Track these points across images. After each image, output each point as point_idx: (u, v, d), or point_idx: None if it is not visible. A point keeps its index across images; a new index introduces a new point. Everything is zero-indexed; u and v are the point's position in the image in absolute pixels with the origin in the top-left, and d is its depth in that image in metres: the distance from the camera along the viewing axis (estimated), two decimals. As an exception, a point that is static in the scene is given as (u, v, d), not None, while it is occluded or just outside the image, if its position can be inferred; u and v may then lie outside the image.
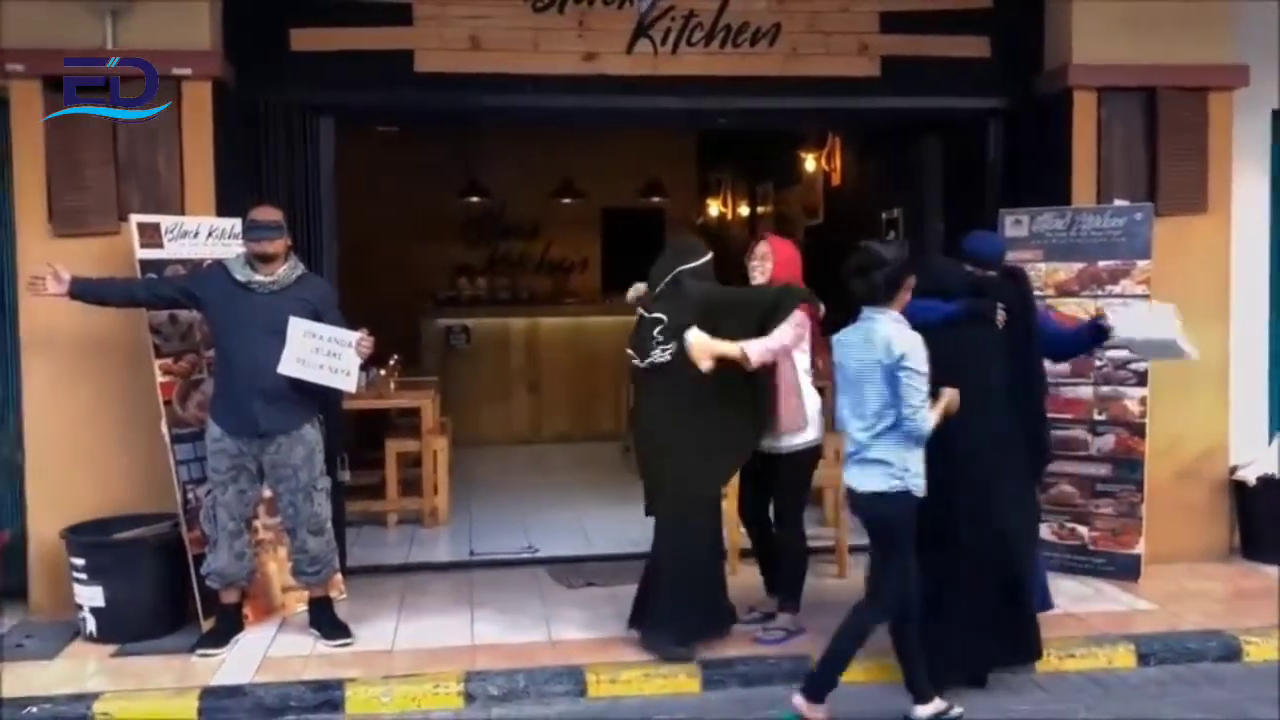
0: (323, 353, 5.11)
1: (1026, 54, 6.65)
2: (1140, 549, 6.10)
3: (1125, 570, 6.09)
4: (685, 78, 6.44)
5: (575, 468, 9.78)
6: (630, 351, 5.22)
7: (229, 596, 5.32)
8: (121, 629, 5.33)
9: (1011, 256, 5.63)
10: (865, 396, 4.39)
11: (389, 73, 6.20)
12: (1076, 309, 6.17)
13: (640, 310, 5.24)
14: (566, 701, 4.82)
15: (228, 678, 4.91)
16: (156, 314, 5.44)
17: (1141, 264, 6.10)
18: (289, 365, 5.05)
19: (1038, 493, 5.38)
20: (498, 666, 4.97)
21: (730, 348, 4.86)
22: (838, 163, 9.53)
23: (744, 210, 12.56)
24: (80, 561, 5.34)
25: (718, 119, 8.23)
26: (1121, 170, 6.40)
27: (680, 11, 6.39)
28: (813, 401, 5.25)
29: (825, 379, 5.88)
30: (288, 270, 5.20)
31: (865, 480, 4.41)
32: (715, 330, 4.93)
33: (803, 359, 5.22)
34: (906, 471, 4.35)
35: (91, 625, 5.35)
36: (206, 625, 5.34)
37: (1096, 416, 6.19)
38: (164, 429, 5.41)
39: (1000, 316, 4.81)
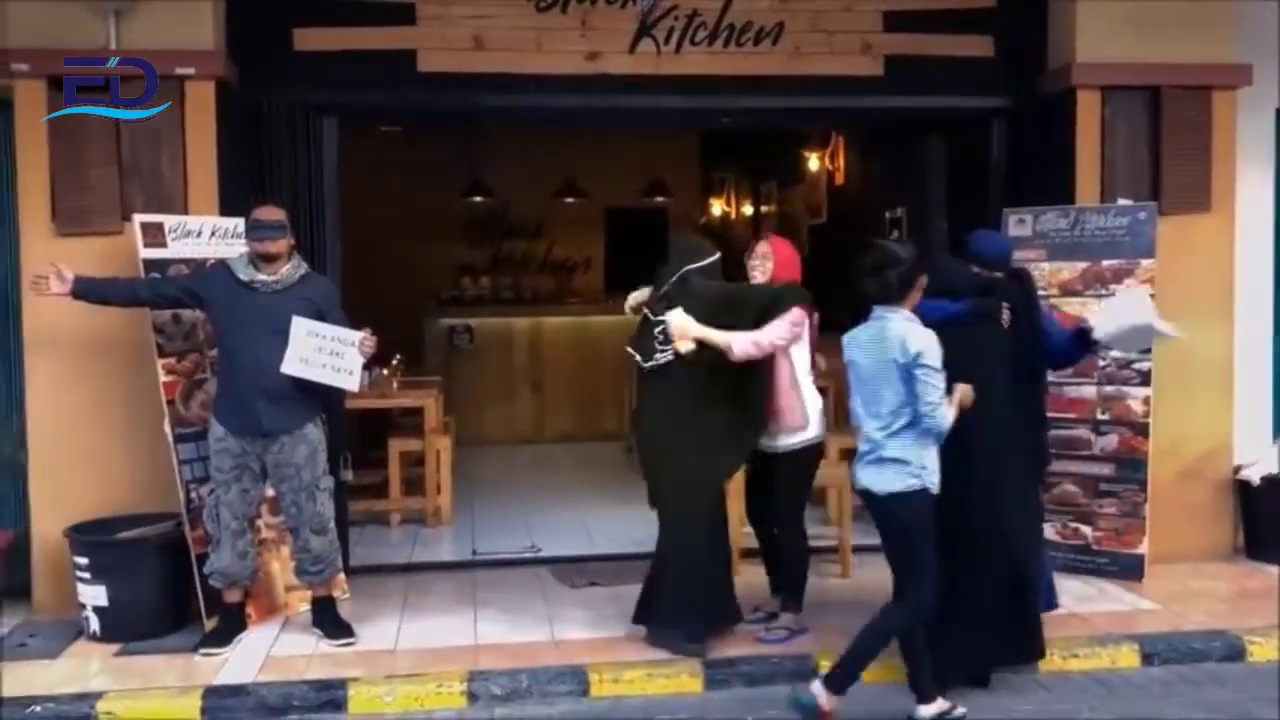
0: (326, 352, 5.11)
1: (1030, 53, 6.65)
2: (1144, 549, 6.09)
3: (1129, 570, 6.09)
4: (688, 77, 6.44)
5: (578, 467, 9.78)
6: (632, 351, 5.23)
7: (232, 596, 5.33)
8: (124, 628, 5.34)
9: (1015, 256, 5.62)
10: (880, 395, 4.38)
11: (392, 72, 6.20)
12: (1080, 309, 6.17)
13: (645, 311, 5.25)
14: (569, 701, 4.82)
15: (231, 677, 4.91)
16: (160, 313, 5.45)
17: (1145, 263, 6.09)
18: (292, 365, 5.05)
19: (1041, 493, 5.38)
20: (501, 666, 4.97)
21: (715, 335, 4.92)
22: (841, 162, 9.53)
23: (747, 210, 12.55)
24: (83, 561, 5.34)
25: (721, 118, 8.22)
26: (1125, 169, 6.39)
27: (683, 11, 6.39)
28: (813, 400, 5.25)
29: (825, 379, 5.91)
30: (291, 270, 5.21)
31: (882, 481, 4.39)
32: (717, 326, 4.96)
33: (803, 358, 5.21)
34: (924, 470, 4.35)
35: (95, 624, 5.36)
36: (209, 624, 5.34)
37: (1100, 416, 6.18)
38: (167, 428, 5.42)
39: (1005, 316, 4.81)
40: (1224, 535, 6.58)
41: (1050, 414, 5.81)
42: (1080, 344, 5.13)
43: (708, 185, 13.68)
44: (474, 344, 11.00)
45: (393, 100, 6.52)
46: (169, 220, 5.56)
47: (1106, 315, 5.15)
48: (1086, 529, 6.20)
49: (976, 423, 4.46)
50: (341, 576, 5.74)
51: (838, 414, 7.82)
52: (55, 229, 5.63)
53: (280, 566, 5.72)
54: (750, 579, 5.55)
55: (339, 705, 4.75)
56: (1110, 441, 6.16)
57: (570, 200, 12.75)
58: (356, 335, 5.16)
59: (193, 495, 5.44)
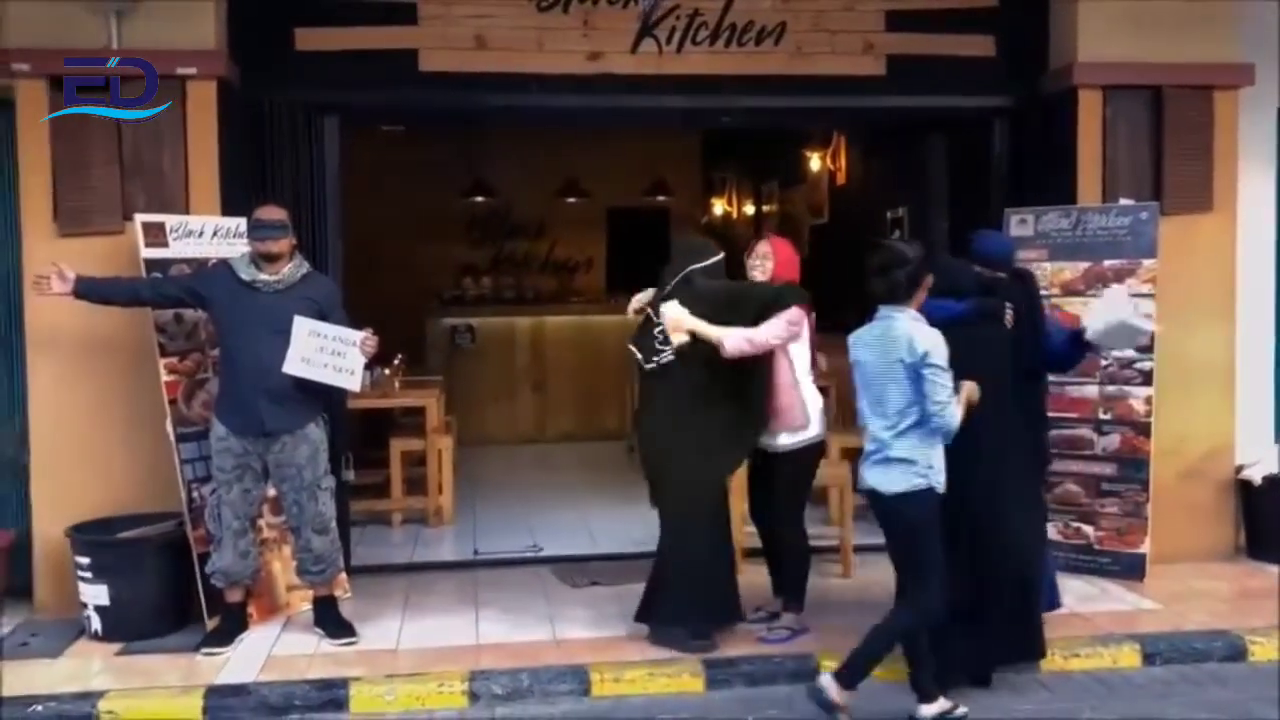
0: (327, 352, 5.11)
1: (1032, 53, 6.64)
2: (1145, 548, 6.09)
3: (1130, 570, 6.08)
4: (690, 77, 6.44)
5: (580, 467, 9.78)
6: (635, 351, 5.24)
7: (234, 595, 5.33)
8: (126, 628, 5.34)
9: (1018, 256, 5.62)
10: (887, 395, 4.38)
11: (394, 72, 6.21)
12: (1082, 308, 6.17)
13: (648, 311, 5.26)
14: (571, 701, 4.82)
15: (232, 676, 4.91)
16: (161, 313, 5.45)
17: (1147, 263, 6.09)
18: (294, 364, 5.05)
19: (1044, 492, 5.38)
20: (502, 666, 4.97)
21: (708, 329, 4.94)
22: (843, 162, 9.53)
23: (749, 209, 12.55)
24: (85, 560, 5.35)
25: (722, 118, 8.22)
26: (1127, 169, 6.39)
27: (685, 10, 6.38)
28: (814, 399, 5.25)
29: (826, 379, 5.91)
30: (293, 269, 5.21)
31: (889, 481, 4.38)
32: (719, 324, 4.98)
33: (803, 357, 5.22)
34: (930, 469, 4.35)
35: (96, 624, 5.36)
36: (211, 624, 5.34)
37: (1102, 416, 6.18)
38: (169, 428, 5.42)
39: (1009, 317, 4.81)
40: (1226, 535, 6.58)
41: (1052, 413, 5.84)
42: (1076, 345, 5.13)
43: (709, 185, 13.68)
44: (476, 344, 11.01)
45: (394, 100, 6.52)
46: (170, 220, 5.56)
47: (1093, 315, 5.15)
48: (1088, 528, 6.20)
49: (979, 422, 4.46)
50: (343, 576, 5.74)
51: (839, 413, 7.84)
52: (57, 229, 5.64)
53: (282, 566, 5.72)
54: (752, 579, 5.55)
55: (340, 705, 4.74)
56: (1112, 441, 6.16)
57: (572, 200, 12.76)
58: (358, 335, 5.16)
59: (194, 495, 5.44)
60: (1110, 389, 6.17)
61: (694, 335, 4.99)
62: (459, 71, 6.26)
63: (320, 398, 5.28)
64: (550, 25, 6.32)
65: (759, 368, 5.07)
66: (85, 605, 5.37)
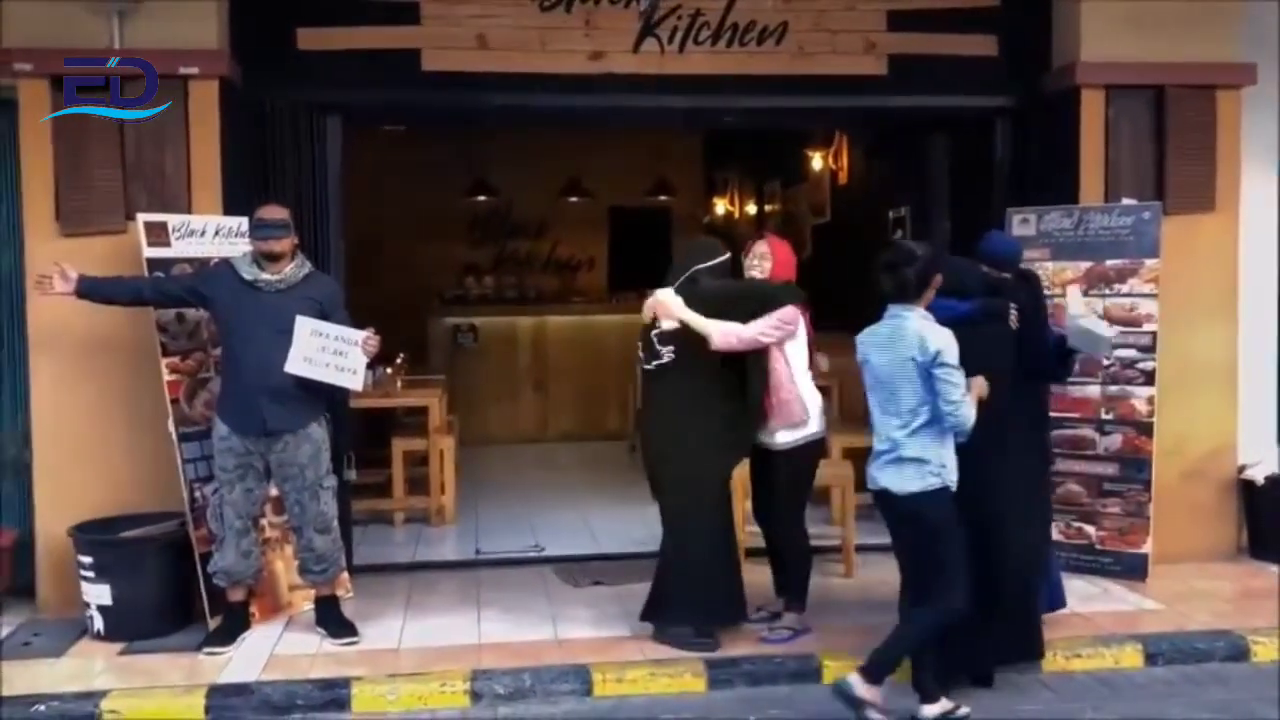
0: (329, 351, 5.11)
1: (1034, 52, 6.64)
2: (1147, 548, 6.09)
3: (1132, 570, 6.08)
4: (692, 77, 6.44)
5: (582, 467, 9.79)
6: (639, 350, 5.28)
7: (236, 595, 5.33)
8: (128, 627, 5.34)
9: (1024, 257, 5.60)
10: (898, 394, 4.37)
11: (396, 72, 6.21)
12: (1084, 308, 6.16)
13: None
14: (573, 700, 4.82)
15: (234, 676, 4.91)
16: (163, 313, 5.45)
17: (1149, 263, 6.08)
18: (296, 364, 5.05)
19: (1049, 492, 5.37)
20: (504, 665, 4.97)
21: (697, 320, 4.97)
22: (845, 161, 9.52)
23: (751, 209, 12.55)
24: (87, 560, 5.35)
25: (724, 118, 8.22)
26: (1129, 169, 6.39)
27: (687, 10, 6.38)
28: (813, 398, 5.26)
29: (826, 379, 5.91)
30: (295, 269, 5.21)
31: (904, 481, 4.37)
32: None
33: (800, 356, 5.23)
34: (944, 468, 4.35)
35: (99, 623, 5.36)
36: (213, 623, 5.34)
37: (1104, 416, 6.18)
38: (171, 427, 5.42)
39: (1013, 318, 4.81)
40: (1228, 535, 6.58)
41: (1054, 413, 5.83)
42: (1061, 351, 5.11)
43: (711, 185, 13.68)
44: (478, 343, 11.02)
45: (396, 100, 6.52)
46: (173, 219, 5.57)
47: (1068, 319, 5.15)
48: (1090, 528, 6.20)
49: (982, 422, 4.45)
50: (345, 575, 5.73)
51: (841, 413, 7.84)
52: (59, 228, 5.64)
53: (284, 565, 5.73)
54: (753, 578, 5.54)
55: (342, 704, 4.75)
56: (1114, 441, 6.15)
57: (574, 200, 12.75)
58: (360, 334, 5.16)
59: (196, 494, 5.44)
60: (1112, 389, 6.16)
61: (685, 327, 5.02)
62: (461, 71, 6.26)
63: (322, 397, 5.28)
64: (552, 25, 6.32)
65: (755, 366, 5.08)
66: (88, 605, 5.38)
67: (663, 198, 12.92)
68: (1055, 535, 6.01)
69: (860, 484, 6.32)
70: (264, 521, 5.54)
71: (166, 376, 5.45)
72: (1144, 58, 6.31)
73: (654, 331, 5.14)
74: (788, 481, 5.28)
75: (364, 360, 5.18)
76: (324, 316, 5.16)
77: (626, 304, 10.85)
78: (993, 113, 6.76)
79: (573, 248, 13.31)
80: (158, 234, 5.48)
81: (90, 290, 5.21)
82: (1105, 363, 6.11)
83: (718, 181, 13.55)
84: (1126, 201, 6.23)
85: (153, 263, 5.42)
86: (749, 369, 5.09)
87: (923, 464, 4.34)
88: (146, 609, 5.38)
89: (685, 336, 5.04)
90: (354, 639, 5.32)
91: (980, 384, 4.43)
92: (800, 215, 10.64)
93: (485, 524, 7.60)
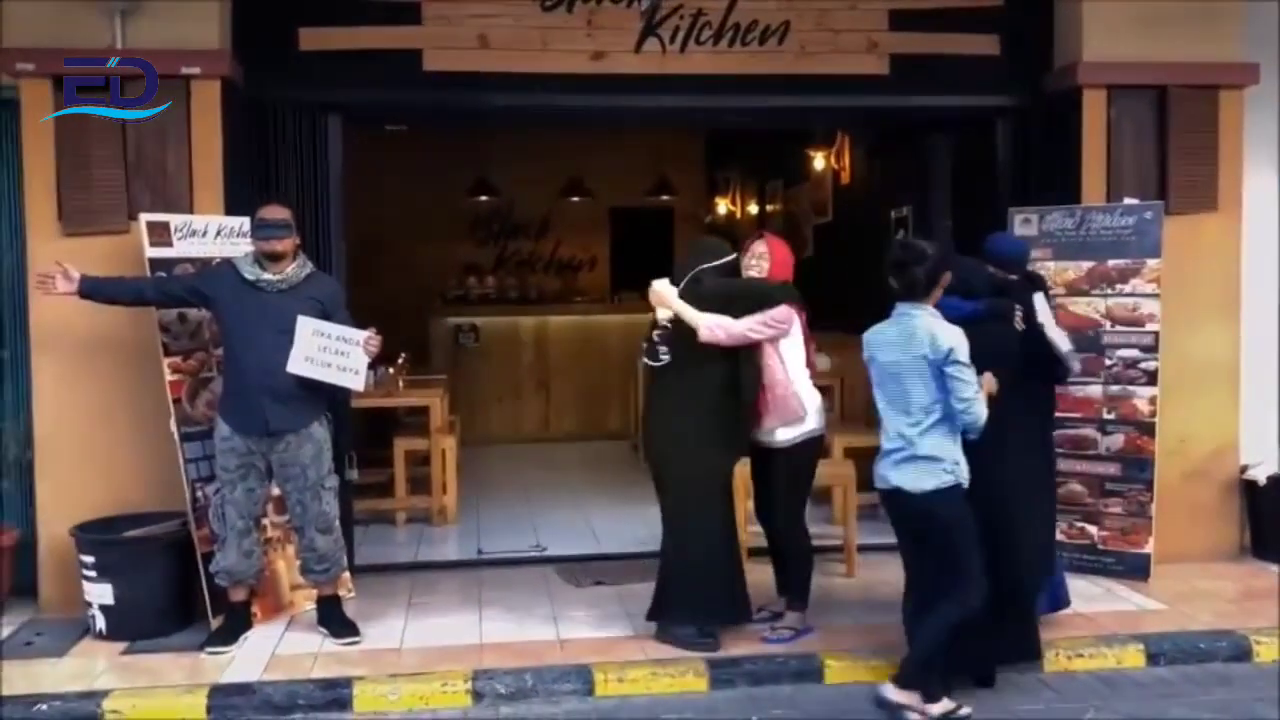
0: (331, 351, 5.11)
1: (1036, 52, 6.63)
2: (1150, 548, 6.08)
3: (1135, 570, 6.08)
4: (694, 76, 6.43)
5: (584, 467, 9.79)
6: (643, 350, 5.31)
7: (237, 594, 5.33)
8: (130, 627, 5.35)
9: (1031, 258, 5.60)
10: (909, 392, 4.37)
11: (397, 72, 6.21)
12: (1086, 308, 6.17)
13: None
14: (574, 700, 4.82)
15: (236, 675, 4.92)
16: (165, 312, 5.45)
17: (1151, 263, 6.08)
18: (297, 364, 5.06)
19: (1054, 493, 5.37)
20: (505, 665, 4.97)
21: (688, 312, 5.02)
22: (847, 161, 9.52)
23: (753, 209, 12.55)
24: (89, 559, 5.35)
25: (726, 118, 8.21)
26: (1131, 168, 6.38)
27: (689, 10, 6.38)
28: (810, 395, 5.26)
29: (823, 378, 5.91)
30: (296, 269, 5.21)
31: (918, 480, 4.36)
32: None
33: (796, 354, 5.24)
34: (957, 465, 4.36)
35: (101, 623, 5.36)
36: (215, 623, 5.35)
37: (1106, 415, 6.17)
38: (173, 427, 5.43)
39: (1018, 319, 4.81)
40: (1230, 535, 6.57)
41: (1056, 413, 5.81)
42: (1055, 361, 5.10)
43: (713, 184, 13.67)
44: (479, 343, 11.03)
45: (398, 100, 6.52)
46: (175, 219, 5.57)
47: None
48: (1092, 528, 6.20)
49: (989, 421, 4.45)
50: (347, 575, 5.74)
51: (842, 412, 7.84)
52: (61, 228, 5.64)
53: (286, 565, 5.73)
54: (755, 578, 5.54)
55: (344, 704, 4.75)
56: (1116, 441, 6.15)
57: (575, 199, 12.75)
58: (362, 334, 5.16)
59: (198, 494, 5.45)
60: (1114, 389, 6.16)
61: (679, 320, 5.06)
62: (463, 71, 6.26)
63: (324, 397, 5.28)
64: (554, 25, 6.32)
65: (747, 363, 5.11)
66: (90, 604, 5.38)
67: (664, 197, 12.91)
68: (1058, 535, 6.02)
69: (862, 484, 6.35)
70: (266, 521, 5.54)
71: (168, 376, 5.45)
72: (1146, 57, 6.30)
73: (654, 331, 5.16)
74: (787, 479, 5.29)
75: (366, 360, 5.18)
76: (326, 316, 5.16)
77: (628, 304, 10.88)
78: (995, 112, 6.76)
79: (574, 248, 13.31)
80: (160, 234, 5.49)
81: (92, 290, 5.21)
82: (1107, 362, 6.11)
83: (719, 181, 13.55)
84: (1128, 201, 6.23)
85: (155, 263, 5.43)
86: (741, 366, 5.11)
87: (937, 462, 4.33)
88: (148, 609, 5.38)
89: (682, 336, 5.06)
90: (356, 639, 5.32)
91: (990, 380, 4.43)
92: (802, 215, 10.64)
93: (487, 524, 7.60)
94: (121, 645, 5.28)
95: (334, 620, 5.39)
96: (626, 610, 5.60)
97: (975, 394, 4.28)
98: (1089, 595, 5.85)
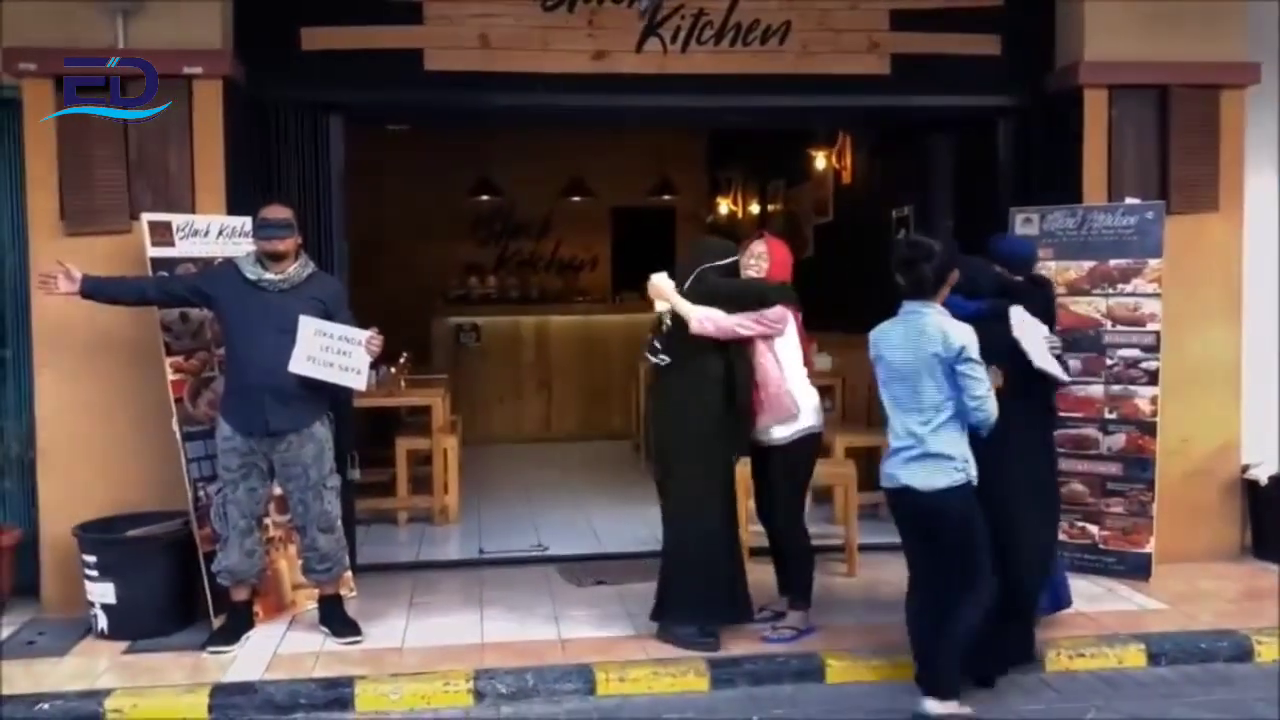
0: (333, 351, 5.12)
1: (1037, 52, 6.63)
2: (1151, 548, 6.08)
3: (1136, 569, 6.08)
4: (695, 76, 6.43)
5: (585, 466, 9.79)
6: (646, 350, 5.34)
7: (239, 594, 5.34)
8: (132, 626, 5.35)
9: (1038, 260, 5.60)
10: (920, 391, 4.36)
11: (399, 71, 6.21)
12: (1088, 308, 6.17)
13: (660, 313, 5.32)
14: (576, 700, 4.82)
15: (238, 675, 4.92)
16: (167, 312, 5.46)
17: (1153, 263, 6.08)
18: (299, 363, 5.06)
19: (1057, 494, 5.36)
20: (507, 664, 4.97)
21: (682, 304, 5.07)
22: (848, 161, 9.51)
23: (754, 209, 12.55)
24: (91, 559, 5.36)
25: (727, 117, 8.22)
26: (1133, 168, 6.38)
27: (690, 10, 6.38)
28: (806, 394, 5.26)
29: (821, 377, 5.91)
30: (298, 269, 5.22)
31: (930, 478, 4.35)
32: None
33: (791, 353, 5.26)
34: (967, 463, 4.36)
35: (103, 622, 5.37)
36: (217, 622, 5.35)
37: (1107, 415, 6.17)
38: (175, 427, 5.43)
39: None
40: (1231, 535, 6.57)
41: (1057, 413, 5.81)
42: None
43: (714, 184, 13.67)
44: (481, 343, 11.04)
45: (399, 99, 6.52)
46: (177, 219, 5.57)
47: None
48: (1094, 528, 6.20)
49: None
50: (349, 575, 5.74)
51: (843, 412, 7.84)
52: (63, 228, 5.64)
53: (288, 565, 5.73)
54: (757, 578, 5.54)
55: (346, 703, 4.75)
56: (1118, 441, 6.15)
57: (577, 199, 12.75)
58: (363, 334, 5.17)
59: (200, 494, 5.45)
60: (1116, 388, 6.16)
61: (675, 313, 5.10)
62: (464, 71, 6.27)
63: (326, 397, 5.28)
64: (555, 25, 6.32)
65: (739, 360, 5.14)
66: (92, 604, 5.38)
67: (666, 197, 12.92)
68: (1060, 535, 6.01)
69: (863, 483, 6.36)
70: (268, 521, 5.55)
71: (170, 376, 5.45)
72: (1147, 57, 6.30)
73: (654, 337, 5.18)
74: (784, 476, 5.30)
75: (367, 360, 5.19)
76: (328, 316, 5.17)
77: (629, 304, 10.88)
78: (996, 112, 6.76)
79: (575, 247, 13.31)
80: (162, 234, 5.49)
81: (94, 290, 5.22)
82: (1109, 362, 6.13)
83: (721, 181, 13.54)
84: (1130, 201, 6.23)
85: (157, 262, 5.43)
86: (733, 364, 5.13)
87: (948, 460, 4.33)
88: (150, 608, 5.38)
89: (684, 334, 5.07)
90: (357, 638, 5.32)
91: (996, 374, 4.42)
92: (803, 215, 10.63)
93: (488, 523, 7.61)
94: (123, 644, 5.28)
95: (336, 620, 5.39)
96: (628, 610, 5.60)
97: (987, 391, 4.28)
98: (1090, 595, 5.85)
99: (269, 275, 5.15)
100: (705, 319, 5.04)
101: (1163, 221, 6.11)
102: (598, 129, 10.68)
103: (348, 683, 4.81)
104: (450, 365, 10.43)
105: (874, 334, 4.55)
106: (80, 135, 5.59)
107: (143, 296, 5.31)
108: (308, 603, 5.65)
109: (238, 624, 5.32)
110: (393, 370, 8.07)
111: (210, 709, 4.69)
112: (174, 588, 5.46)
